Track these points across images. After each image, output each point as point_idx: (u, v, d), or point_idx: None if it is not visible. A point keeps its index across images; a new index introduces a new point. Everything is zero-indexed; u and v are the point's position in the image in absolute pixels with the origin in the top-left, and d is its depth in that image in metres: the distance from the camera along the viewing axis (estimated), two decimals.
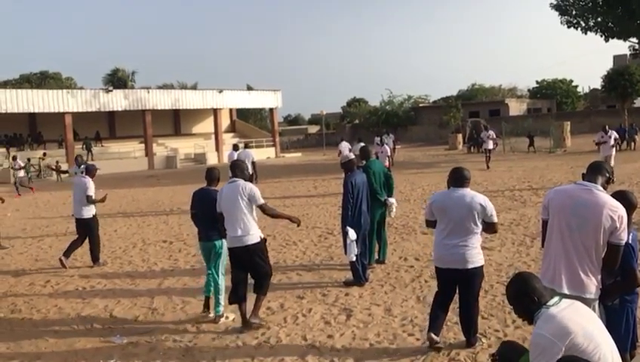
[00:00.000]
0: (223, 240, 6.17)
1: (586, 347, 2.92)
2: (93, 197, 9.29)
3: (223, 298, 6.26)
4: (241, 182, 5.87)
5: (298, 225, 6.43)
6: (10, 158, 27.25)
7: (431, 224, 5.15)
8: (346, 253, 7.14)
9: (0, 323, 6.61)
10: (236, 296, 5.91)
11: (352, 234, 6.93)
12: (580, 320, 3.00)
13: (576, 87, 64.17)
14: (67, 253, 9.23)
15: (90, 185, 9.26)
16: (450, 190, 4.98)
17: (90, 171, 9.53)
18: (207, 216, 6.21)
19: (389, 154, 18.70)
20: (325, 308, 6.45)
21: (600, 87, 52.55)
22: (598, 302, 3.91)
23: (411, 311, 6.20)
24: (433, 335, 5.02)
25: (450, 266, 4.93)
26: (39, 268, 9.48)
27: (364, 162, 8.17)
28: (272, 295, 6.65)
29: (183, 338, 5.82)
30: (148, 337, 5.90)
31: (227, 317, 6.24)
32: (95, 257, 9.34)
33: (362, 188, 7.23)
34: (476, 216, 4.82)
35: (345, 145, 23.85)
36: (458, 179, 4.92)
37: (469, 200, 4.84)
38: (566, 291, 3.81)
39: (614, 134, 16.75)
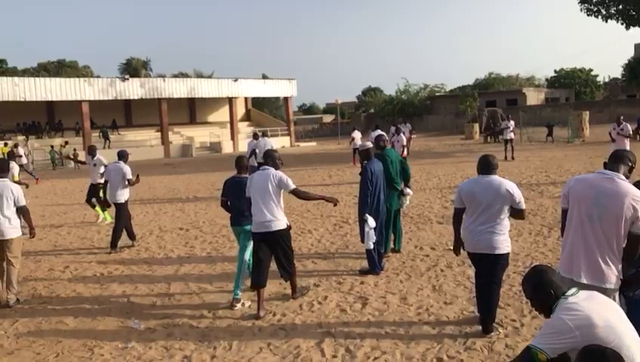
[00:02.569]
0: None
1: (607, 338, 2.83)
2: (132, 180, 9.80)
3: (242, 282, 6.40)
4: (272, 170, 6.05)
5: (335, 205, 6.54)
6: (12, 145, 27.38)
7: (459, 211, 5.20)
8: (363, 240, 7.13)
9: (21, 307, 6.73)
10: (257, 282, 6.03)
11: (371, 221, 6.92)
12: (602, 310, 2.93)
13: (596, 76, 63.15)
14: (131, 236, 9.89)
15: (128, 169, 9.74)
16: (478, 177, 5.08)
17: (124, 156, 9.96)
18: (239, 203, 6.46)
19: (404, 143, 18.56)
20: (341, 296, 6.46)
21: (620, 77, 51.70)
22: (618, 292, 3.86)
23: (427, 299, 6.19)
24: (491, 335, 5.10)
25: (478, 251, 5.03)
26: (58, 253, 9.62)
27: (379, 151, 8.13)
28: (287, 283, 6.67)
29: (199, 324, 5.88)
30: (165, 322, 5.97)
31: (243, 304, 6.31)
32: (115, 242, 9.51)
33: (380, 177, 7.22)
34: (504, 202, 4.91)
35: (357, 134, 23.75)
36: (486, 166, 5.04)
37: (497, 187, 4.92)
38: (585, 281, 3.77)
39: (627, 127, 15.55)
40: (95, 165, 12.07)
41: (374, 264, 7.21)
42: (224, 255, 8.84)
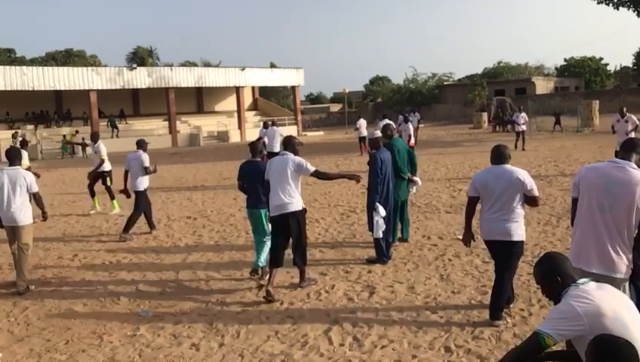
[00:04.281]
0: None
1: (615, 329, 2.77)
2: (150, 168, 9.92)
3: (264, 258, 6.68)
4: (291, 155, 6.29)
5: (358, 182, 6.72)
6: (11, 135, 27.35)
7: (473, 200, 5.27)
8: (371, 229, 7.12)
9: (31, 295, 6.79)
10: (274, 262, 6.30)
11: (381, 210, 6.91)
12: (612, 301, 2.88)
13: (607, 65, 62.50)
14: (150, 225, 10.02)
15: (146, 157, 9.87)
16: (491, 167, 5.18)
17: (142, 145, 10.11)
18: (255, 187, 6.65)
19: (411, 132, 18.47)
20: (348, 285, 6.47)
21: (631, 65, 51.13)
22: (628, 282, 3.83)
23: (434, 289, 6.18)
24: (497, 322, 5.12)
25: (493, 238, 5.12)
26: (67, 242, 9.68)
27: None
28: (295, 271, 6.69)
29: (207, 311, 5.91)
30: (173, 310, 6.00)
31: (261, 278, 6.52)
32: (128, 228, 9.63)
33: (389, 166, 7.20)
34: (516, 190, 5.01)
35: (363, 123, 23.67)
36: (498, 156, 5.15)
37: (509, 175, 5.03)
38: (595, 270, 3.74)
39: (632, 118, 14.27)
40: (96, 152, 12.11)
41: (382, 253, 7.21)
42: (232, 243, 8.87)
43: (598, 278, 3.62)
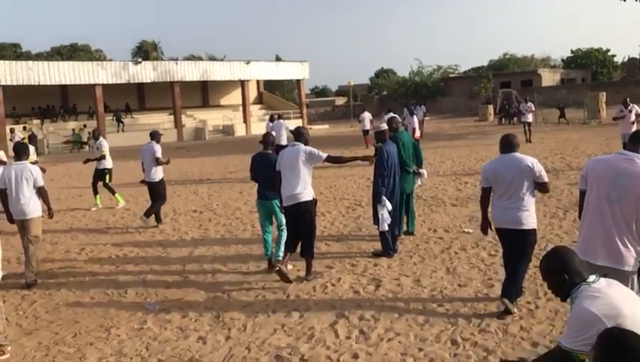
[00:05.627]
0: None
1: (633, 329, 2.66)
2: (162, 160, 10.00)
3: (282, 250, 6.73)
4: (302, 145, 6.45)
5: (371, 163, 6.89)
6: (8, 131, 27.28)
7: (486, 190, 5.33)
8: (376, 222, 7.11)
9: (39, 288, 6.83)
10: (290, 247, 6.53)
11: (387, 204, 6.91)
12: (626, 300, 2.80)
13: (614, 56, 61.98)
14: (157, 219, 10.06)
15: (158, 148, 9.98)
16: (500, 156, 5.24)
17: (156, 136, 10.20)
18: (266, 178, 6.73)
19: (415, 125, 18.39)
20: (354, 278, 6.47)
21: (638, 57, 50.69)
22: (636, 275, 3.81)
23: (441, 282, 6.18)
24: (506, 301, 5.13)
25: (505, 226, 5.16)
26: (74, 236, 9.74)
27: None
28: (301, 264, 6.71)
29: (214, 305, 5.93)
30: (179, 304, 6.03)
31: (287, 266, 6.56)
32: (149, 213, 9.86)
33: (395, 158, 7.19)
34: (525, 177, 5.05)
35: (366, 116, 23.61)
36: (507, 145, 5.21)
37: (517, 163, 5.09)
38: (602, 263, 3.72)
39: (636, 109, 13.73)
40: (97, 148, 12.14)
41: (388, 246, 7.20)
42: (238, 237, 8.88)
43: (606, 271, 3.60)
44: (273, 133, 15.71)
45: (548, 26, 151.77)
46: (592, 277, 2.94)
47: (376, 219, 7.09)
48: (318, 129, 42.42)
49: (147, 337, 5.22)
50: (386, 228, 6.99)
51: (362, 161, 7.02)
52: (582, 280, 2.92)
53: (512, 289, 5.15)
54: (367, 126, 22.94)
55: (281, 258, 6.62)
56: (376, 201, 7.00)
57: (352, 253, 7.56)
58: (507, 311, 5.12)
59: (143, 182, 10.34)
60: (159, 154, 9.94)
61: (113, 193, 12.23)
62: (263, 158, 6.92)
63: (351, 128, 38.16)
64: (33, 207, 6.98)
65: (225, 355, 4.75)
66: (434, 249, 7.48)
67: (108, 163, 12.08)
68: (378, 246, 7.37)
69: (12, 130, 25.52)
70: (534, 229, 5.16)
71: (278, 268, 6.29)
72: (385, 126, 7.54)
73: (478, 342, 4.65)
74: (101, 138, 12.34)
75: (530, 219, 5.09)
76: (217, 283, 6.64)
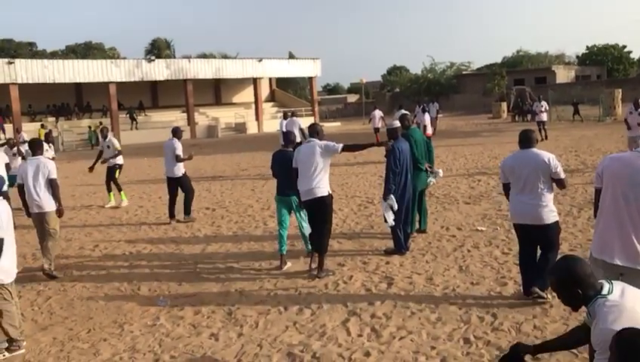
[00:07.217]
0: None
1: None
2: (182, 156, 10.08)
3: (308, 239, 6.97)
4: (317, 141, 6.54)
5: (387, 149, 6.94)
6: (15, 131, 27.36)
7: (506, 186, 5.42)
8: (385, 220, 7.07)
9: (53, 284, 6.91)
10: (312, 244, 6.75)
11: (393, 202, 6.87)
12: None
13: (630, 52, 61.12)
14: (171, 214, 10.08)
15: (178, 145, 10.04)
16: (518, 151, 5.31)
17: (177, 133, 10.29)
18: (285, 175, 6.83)
19: (427, 123, 18.32)
20: (366, 276, 6.46)
21: None
22: None
23: (453, 280, 6.14)
24: (536, 289, 5.21)
25: (524, 222, 5.23)
26: (88, 232, 9.82)
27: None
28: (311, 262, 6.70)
29: (226, 302, 5.95)
30: (192, 301, 6.06)
31: (311, 265, 6.67)
32: (188, 210, 10.04)
33: (407, 156, 7.16)
34: (542, 173, 5.12)
35: (377, 113, 23.57)
36: (525, 140, 5.29)
37: (534, 157, 5.17)
38: (618, 262, 3.67)
39: None
40: (109, 147, 12.21)
41: (400, 244, 7.18)
42: (250, 234, 8.91)
43: (621, 270, 3.57)
44: (295, 131, 15.86)
45: (562, 22, 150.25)
46: (605, 288, 2.82)
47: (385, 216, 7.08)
48: (330, 126, 42.35)
49: (160, 333, 5.26)
50: (393, 223, 6.95)
51: (378, 146, 7.14)
52: (596, 292, 2.80)
53: (542, 278, 5.13)
54: (378, 124, 22.89)
55: (310, 250, 6.88)
56: (384, 198, 6.98)
57: (363, 250, 7.55)
58: (539, 297, 5.23)
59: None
60: (179, 152, 9.95)
61: (119, 190, 12.32)
62: (282, 155, 7.06)
63: (363, 126, 38.07)
64: (50, 200, 7.10)
65: (237, 352, 4.76)
66: (447, 247, 7.44)
67: (120, 159, 12.19)
68: (390, 244, 7.35)
69: (18, 130, 25.73)
70: (557, 221, 5.26)
71: (311, 274, 6.52)
72: (397, 123, 7.51)
73: (491, 341, 4.62)
74: (110, 136, 12.43)
75: (551, 214, 5.16)
76: (229, 280, 6.66)
